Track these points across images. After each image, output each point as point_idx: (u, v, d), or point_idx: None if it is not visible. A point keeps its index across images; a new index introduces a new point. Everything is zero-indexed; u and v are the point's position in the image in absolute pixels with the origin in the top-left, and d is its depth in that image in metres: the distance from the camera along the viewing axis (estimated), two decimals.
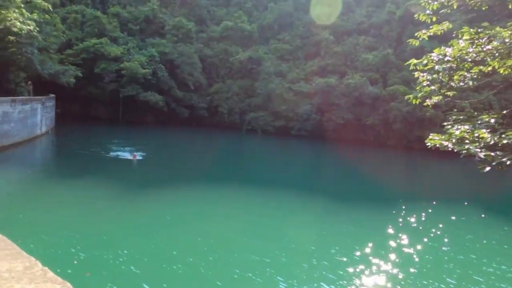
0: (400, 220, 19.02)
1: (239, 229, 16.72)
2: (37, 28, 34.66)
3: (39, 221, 15.24)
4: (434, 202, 23.04)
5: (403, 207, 21.36)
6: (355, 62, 63.51)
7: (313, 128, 58.00)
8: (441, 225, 18.74)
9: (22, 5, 33.52)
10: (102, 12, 66.62)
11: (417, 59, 9.53)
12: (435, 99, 9.50)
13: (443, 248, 16.02)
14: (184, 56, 63.55)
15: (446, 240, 16.97)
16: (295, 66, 67.83)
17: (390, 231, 17.16)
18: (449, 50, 8.69)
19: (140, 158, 30.46)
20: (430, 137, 8.33)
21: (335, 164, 41.19)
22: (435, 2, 9.18)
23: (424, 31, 9.56)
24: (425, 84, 9.18)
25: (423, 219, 19.79)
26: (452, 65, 8.60)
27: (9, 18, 32.16)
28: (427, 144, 8.54)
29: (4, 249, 2.21)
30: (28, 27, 32.97)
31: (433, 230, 17.78)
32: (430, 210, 21.32)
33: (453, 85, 9.06)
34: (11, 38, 32.42)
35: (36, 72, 38.48)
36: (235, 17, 74.70)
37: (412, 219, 19.23)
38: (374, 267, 12.94)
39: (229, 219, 18.07)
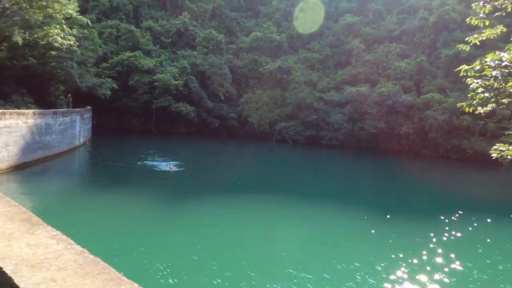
0: (449, 233, 18.13)
1: (279, 240, 16.48)
2: (77, 43, 36.06)
3: (79, 234, 15.58)
4: (481, 214, 21.92)
5: (451, 219, 20.42)
6: (387, 70, 62.34)
7: (345, 138, 57.19)
8: (490, 240, 17.78)
9: (63, 21, 35.00)
10: (135, 26, 68.79)
11: (452, 66, 9.10)
12: (490, 106, 9.03)
13: (494, 263, 15.15)
14: (215, 67, 64.42)
15: (499, 257, 16.06)
16: (325, 75, 67.35)
17: (438, 245, 16.36)
18: (505, 55, 8.26)
19: (176, 169, 30.46)
20: (495, 147, 7.87)
21: (371, 174, 40.30)
22: (487, 5, 8.79)
23: (476, 35, 9.16)
24: (479, 91, 8.74)
25: (472, 232, 18.83)
26: (511, 70, 8.15)
27: (51, 34, 33.66)
28: (492, 155, 8.06)
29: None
30: (69, 42, 34.35)
31: (483, 245, 16.89)
32: (478, 223, 20.27)
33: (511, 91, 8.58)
34: (53, 53, 33.86)
35: (75, 85, 39.95)
36: (264, 27, 75.33)
37: (461, 232, 18.31)
38: (423, 284, 12.35)
39: (269, 230, 17.86)
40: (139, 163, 33.03)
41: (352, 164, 48.64)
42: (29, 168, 25.93)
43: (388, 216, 20.58)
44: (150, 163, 32.88)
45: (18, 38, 29.91)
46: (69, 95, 41.34)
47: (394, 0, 76.87)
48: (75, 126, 36.93)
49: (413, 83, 58.61)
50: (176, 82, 58.31)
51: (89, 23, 39.53)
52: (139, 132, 61.48)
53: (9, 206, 3.53)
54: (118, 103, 58.90)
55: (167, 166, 30.86)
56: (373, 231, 17.73)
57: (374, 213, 21.48)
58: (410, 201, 27.05)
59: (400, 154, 52.49)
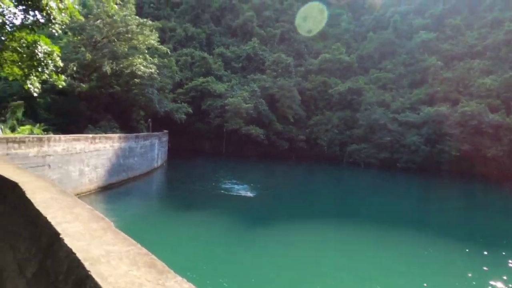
0: None
1: (359, 270, 15.27)
2: (157, 71, 38.37)
3: (159, 252, 15.79)
4: None
5: None
6: (470, 88, 57.85)
7: (423, 161, 53.46)
8: None
9: (146, 51, 37.54)
10: (208, 53, 72.13)
11: None
12: None
13: None
14: (284, 90, 64.77)
15: None
16: (399, 95, 64.38)
17: None
18: None
19: (251, 194, 29.83)
20: None
21: (457, 200, 36.78)
22: None
23: None
24: None
25: None
26: None
27: (135, 63, 36.25)
28: None
29: None
30: (150, 70, 36.69)
31: None
32: None
33: None
34: (136, 80, 36.30)
35: (154, 110, 42.34)
36: (332, 49, 74.73)
37: None
38: None
39: (347, 257, 16.72)
40: (213, 184, 33.53)
41: (433, 189, 45.00)
42: (114, 189, 27.47)
43: (485, 253, 18.26)
44: (224, 185, 33.23)
45: (107, 68, 32.50)
46: (149, 120, 43.84)
47: (474, 14, 72.12)
48: (154, 149, 38.83)
49: (500, 101, 53.57)
50: (247, 105, 59.46)
51: (169, 52, 41.98)
52: (210, 154, 63.24)
53: (129, 245, 3.27)
54: (192, 126, 61.36)
55: (242, 190, 30.82)
56: (469, 274, 15.71)
57: (469, 247, 19.21)
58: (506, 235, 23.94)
59: (488, 179, 47.61)
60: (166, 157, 47.77)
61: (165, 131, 48.13)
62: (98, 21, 33.76)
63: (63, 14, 10.95)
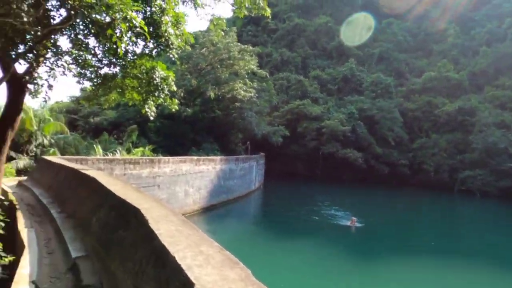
0: None
1: None
2: (256, 94, 39.13)
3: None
4: None
5: None
6: None
7: None
8: None
9: (246, 76, 38.63)
10: (304, 76, 72.14)
11: None
12: None
13: None
14: (384, 111, 61.35)
15: None
16: None
17: None
18: None
19: (358, 224, 27.10)
20: None
21: None
22: None
23: None
24: None
25: None
26: None
27: (236, 88, 37.47)
28: None
29: None
30: (250, 94, 37.57)
31: None
32: None
33: None
34: (237, 104, 37.37)
35: (252, 133, 43.11)
36: (438, 66, 69.10)
37: None
38: None
39: None
40: (310, 209, 32.25)
41: None
42: (215, 210, 28.03)
43: None
44: (321, 212, 31.78)
45: (211, 93, 34.04)
46: (248, 142, 44.72)
47: None
48: (252, 172, 39.23)
49: None
50: (344, 127, 57.53)
51: (267, 75, 42.72)
52: (304, 177, 62.05)
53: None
54: (287, 149, 61.15)
55: (340, 218, 28.98)
56: None
57: None
58: None
59: None
60: (263, 180, 47.98)
61: (262, 153, 48.59)
62: (203, 50, 35.81)
63: (179, 40, 11.25)
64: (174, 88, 12.76)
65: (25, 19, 6.17)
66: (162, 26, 10.37)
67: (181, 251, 3.46)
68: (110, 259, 5.26)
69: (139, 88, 12.74)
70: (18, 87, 12.24)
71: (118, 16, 6.21)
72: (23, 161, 23.33)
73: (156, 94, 12.52)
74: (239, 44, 37.78)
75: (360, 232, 25.95)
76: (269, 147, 52.38)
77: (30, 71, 12.34)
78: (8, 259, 5.32)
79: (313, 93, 67.71)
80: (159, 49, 10.84)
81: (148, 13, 10.21)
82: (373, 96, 65.71)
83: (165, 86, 12.48)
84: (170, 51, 10.70)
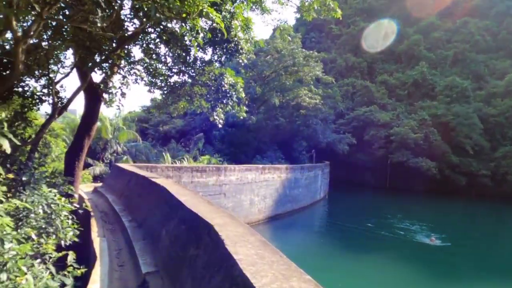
0: None
1: None
2: (321, 101, 38.02)
3: None
4: None
5: None
6: None
7: None
8: None
9: (311, 82, 37.74)
10: (370, 81, 69.30)
11: None
12: None
13: None
14: (460, 117, 56.62)
15: None
16: None
17: None
18: None
19: (439, 243, 24.70)
20: None
21: None
22: None
23: None
24: None
25: None
26: None
27: (300, 95, 36.71)
28: None
29: None
30: (315, 101, 36.58)
31: None
32: None
33: None
34: (302, 111, 36.54)
35: (317, 141, 41.93)
36: None
37: None
38: None
39: None
40: (380, 222, 30.16)
41: None
42: (280, 219, 27.34)
43: None
44: (392, 226, 29.59)
45: (276, 100, 33.62)
46: (313, 150, 43.56)
47: None
48: (317, 181, 38.03)
49: None
50: (415, 135, 53.97)
51: (333, 81, 41.42)
52: (371, 187, 59.18)
53: None
54: (353, 157, 58.82)
55: (413, 233, 26.68)
56: None
57: None
58: None
59: None
60: (327, 189, 46.40)
61: (327, 162, 47.06)
62: (268, 57, 35.61)
63: (248, 45, 10.88)
64: (243, 94, 12.42)
65: (98, 24, 6.03)
66: (232, 30, 10.05)
67: (268, 285, 2.83)
68: (181, 281, 4.81)
69: (208, 95, 12.61)
70: (94, 96, 12.67)
71: (191, 11, 5.80)
72: (99, 168, 24.61)
73: (224, 101, 12.28)
74: (304, 50, 37.03)
75: (442, 251, 23.50)
76: (333, 155, 50.73)
77: (105, 80, 12.71)
78: (80, 271, 5.10)
79: (381, 99, 64.68)
80: (228, 54, 10.57)
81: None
82: (448, 101, 61.01)
83: (234, 93, 12.18)
84: (240, 56, 10.37)
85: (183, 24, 7.33)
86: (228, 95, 11.93)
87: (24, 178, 6.82)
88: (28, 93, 11.60)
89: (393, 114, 60.85)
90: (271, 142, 42.03)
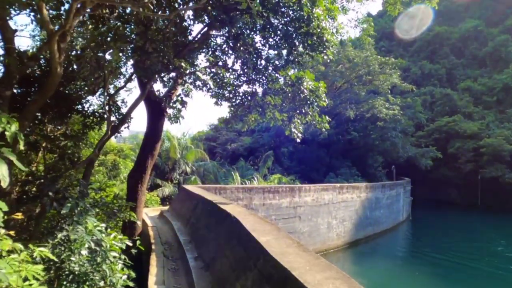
0: None
1: None
2: (401, 112, 34.42)
3: None
4: None
5: None
6: None
7: None
8: None
9: (389, 91, 34.40)
10: (451, 89, 63.14)
11: None
12: None
13: None
14: None
15: None
16: None
17: None
18: None
19: None
20: None
21: None
22: None
23: None
24: None
25: None
26: None
27: (376, 106, 33.48)
28: None
29: None
30: (393, 111, 33.12)
31: None
32: None
33: None
34: (379, 123, 33.22)
35: (395, 155, 38.07)
36: None
37: None
38: None
39: None
40: (480, 251, 25.38)
41: None
42: (360, 245, 24.24)
43: None
44: (500, 254, 24.85)
45: (350, 113, 30.91)
46: (393, 166, 39.59)
47: None
48: (399, 200, 34.12)
49: None
50: (511, 146, 47.20)
51: (413, 89, 37.60)
52: (459, 206, 52.63)
53: None
54: (435, 173, 53.12)
55: None
56: None
57: None
58: None
59: None
60: (410, 209, 41.72)
61: (407, 179, 42.55)
62: (339, 66, 33.16)
63: (335, 37, 8.83)
64: (325, 102, 10.31)
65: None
66: (313, 20, 8.07)
67: None
68: None
69: (283, 104, 10.71)
70: (157, 112, 11.42)
71: None
72: (168, 189, 23.81)
73: (303, 110, 10.26)
74: (379, 57, 33.93)
75: None
76: (413, 171, 46.07)
77: (168, 94, 11.39)
78: None
79: (465, 108, 58.25)
80: (309, 51, 8.59)
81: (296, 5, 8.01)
82: None
83: (314, 100, 10.13)
84: (325, 51, 8.35)
85: None
86: (308, 102, 9.89)
87: (63, 211, 5.33)
88: (89, 112, 10.65)
89: (481, 123, 54.18)
90: (344, 158, 38.98)
